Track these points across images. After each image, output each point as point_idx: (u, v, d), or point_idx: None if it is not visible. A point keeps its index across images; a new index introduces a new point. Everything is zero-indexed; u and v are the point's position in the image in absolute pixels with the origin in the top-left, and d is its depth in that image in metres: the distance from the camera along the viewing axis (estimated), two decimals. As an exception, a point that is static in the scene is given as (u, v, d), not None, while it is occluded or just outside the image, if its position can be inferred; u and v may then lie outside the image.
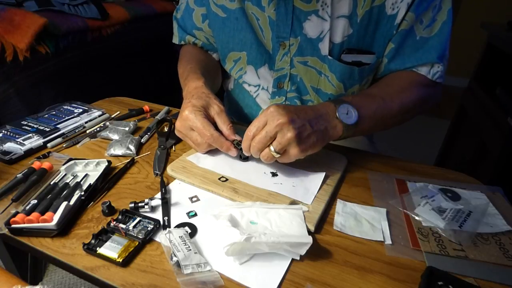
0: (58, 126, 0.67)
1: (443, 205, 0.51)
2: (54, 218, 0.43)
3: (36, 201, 0.46)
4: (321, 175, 0.55)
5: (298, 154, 0.50)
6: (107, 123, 0.70)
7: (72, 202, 0.47)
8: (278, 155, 0.50)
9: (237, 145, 0.56)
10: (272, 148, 0.50)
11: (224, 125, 0.57)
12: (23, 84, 1.10)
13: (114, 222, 0.44)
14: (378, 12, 0.61)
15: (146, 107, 0.80)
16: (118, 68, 1.50)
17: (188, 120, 0.56)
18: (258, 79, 0.74)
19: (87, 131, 0.69)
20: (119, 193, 0.52)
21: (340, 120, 0.54)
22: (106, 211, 0.47)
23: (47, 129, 0.65)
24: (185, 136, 0.60)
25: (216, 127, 0.57)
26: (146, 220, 0.45)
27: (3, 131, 0.65)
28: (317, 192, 0.52)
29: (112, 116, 0.76)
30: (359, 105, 0.57)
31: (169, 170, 0.56)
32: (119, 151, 0.61)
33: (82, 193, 0.49)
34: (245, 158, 0.58)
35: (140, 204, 0.47)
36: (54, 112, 0.74)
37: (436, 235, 0.46)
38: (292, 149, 0.50)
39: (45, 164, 0.54)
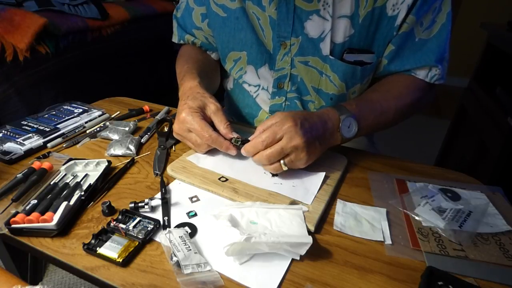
0: (58, 126, 0.67)
1: (443, 205, 0.51)
2: (54, 218, 0.43)
3: (36, 201, 0.46)
4: (321, 175, 0.55)
5: (302, 166, 0.54)
6: (107, 123, 0.70)
7: (72, 202, 0.47)
8: (286, 168, 0.53)
9: (236, 142, 0.56)
10: (282, 162, 0.52)
11: (221, 124, 0.57)
12: (23, 84, 1.10)
13: (114, 222, 0.44)
14: (379, 13, 0.61)
15: (146, 107, 0.80)
16: (118, 68, 1.50)
17: (186, 122, 0.56)
18: (258, 79, 0.74)
19: (87, 131, 0.69)
20: (119, 193, 0.52)
21: (341, 133, 0.57)
22: (106, 211, 0.47)
23: (47, 129, 0.65)
24: (183, 138, 0.60)
25: (214, 127, 0.57)
26: (146, 220, 0.45)
27: (3, 131, 0.65)
28: (317, 192, 0.52)
29: (112, 116, 0.76)
30: (360, 116, 0.60)
31: (169, 170, 0.56)
32: (119, 151, 0.61)
33: (82, 193, 0.49)
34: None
35: (140, 204, 0.47)
36: (54, 112, 0.74)
37: (436, 235, 0.46)
38: (299, 164, 0.54)
39: (45, 164, 0.54)
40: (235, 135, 0.56)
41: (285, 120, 0.51)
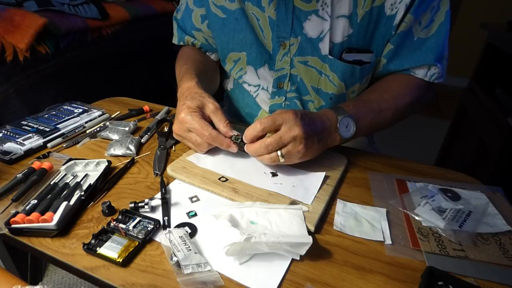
0: (58, 126, 0.67)
1: (443, 205, 0.51)
2: (54, 218, 0.43)
3: (36, 201, 0.46)
4: (321, 175, 0.55)
5: (298, 161, 0.55)
6: (107, 123, 0.70)
7: (72, 202, 0.47)
8: (283, 160, 0.52)
9: (236, 140, 0.56)
10: (279, 153, 0.52)
11: (220, 123, 0.57)
12: (23, 84, 1.10)
13: (114, 222, 0.44)
14: (377, 13, 0.61)
15: (146, 107, 0.80)
16: (118, 68, 1.50)
17: (185, 122, 0.56)
18: (258, 79, 0.74)
19: (87, 131, 0.69)
20: (119, 193, 0.52)
21: (339, 133, 0.58)
22: (106, 211, 0.47)
23: (47, 129, 0.65)
24: (183, 139, 0.60)
25: (213, 126, 0.57)
26: (146, 220, 0.45)
27: (3, 131, 0.65)
28: (317, 192, 0.52)
29: (112, 116, 0.76)
30: (358, 116, 0.60)
31: (169, 170, 0.56)
32: (119, 151, 0.61)
33: (82, 193, 0.49)
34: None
35: (140, 204, 0.47)
36: (54, 112, 0.74)
37: (436, 235, 0.46)
38: (296, 157, 0.53)
39: (45, 164, 0.54)
40: (235, 132, 0.57)
41: (286, 111, 0.52)
